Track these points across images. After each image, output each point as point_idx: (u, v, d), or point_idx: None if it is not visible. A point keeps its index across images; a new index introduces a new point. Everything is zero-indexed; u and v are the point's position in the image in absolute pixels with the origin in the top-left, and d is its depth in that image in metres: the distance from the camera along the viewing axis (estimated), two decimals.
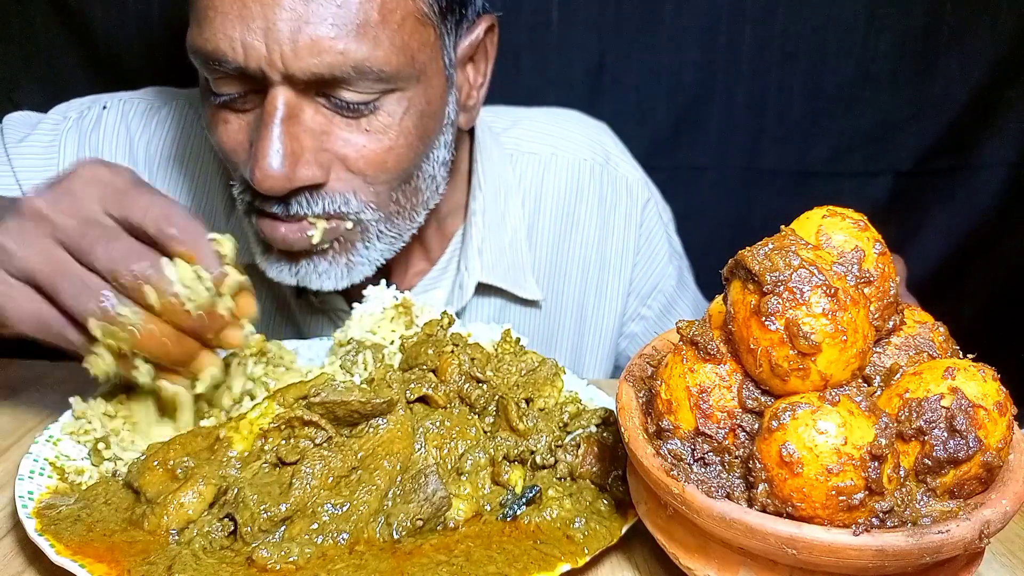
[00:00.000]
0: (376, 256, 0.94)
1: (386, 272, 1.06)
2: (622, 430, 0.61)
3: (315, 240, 0.87)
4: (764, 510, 0.53)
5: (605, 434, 0.73)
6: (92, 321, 0.66)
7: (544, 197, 1.13)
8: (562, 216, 1.14)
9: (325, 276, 0.91)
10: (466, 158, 1.11)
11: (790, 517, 0.52)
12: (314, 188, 0.85)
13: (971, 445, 0.53)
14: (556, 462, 0.72)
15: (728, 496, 0.54)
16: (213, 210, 1.07)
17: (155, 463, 0.68)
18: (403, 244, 0.97)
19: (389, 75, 0.82)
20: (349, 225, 0.88)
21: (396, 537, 0.64)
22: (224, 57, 0.78)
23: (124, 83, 1.37)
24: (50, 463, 0.72)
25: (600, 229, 1.15)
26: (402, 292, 0.88)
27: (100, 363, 0.69)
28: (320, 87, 0.81)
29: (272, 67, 0.78)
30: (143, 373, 0.70)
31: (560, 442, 0.73)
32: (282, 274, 0.92)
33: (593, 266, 1.16)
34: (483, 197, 1.08)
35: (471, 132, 1.10)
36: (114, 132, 1.06)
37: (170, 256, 0.68)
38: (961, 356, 0.60)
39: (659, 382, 0.60)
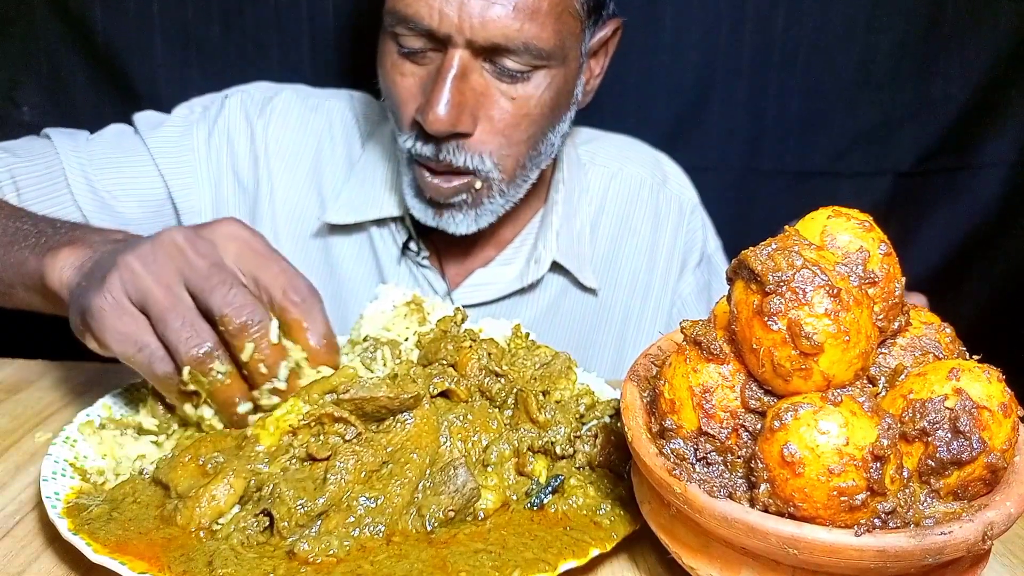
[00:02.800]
0: (497, 208, 1.12)
1: (475, 241, 1.23)
2: (626, 429, 0.61)
3: (453, 184, 1.07)
4: (766, 510, 0.53)
5: (619, 424, 0.74)
6: (187, 368, 0.70)
7: (607, 204, 1.28)
8: (620, 223, 1.28)
9: (460, 223, 1.11)
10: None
11: (792, 517, 0.52)
12: (462, 140, 1.03)
13: (975, 446, 0.53)
14: (575, 452, 0.73)
15: (730, 496, 0.54)
16: (316, 177, 1.23)
17: (187, 458, 0.69)
18: (517, 200, 1.14)
19: (545, 54, 1.00)
20: (478, 184, 1.07)
21: (429, 528, 0.65)
22: (421, 20, 0.97)
23: (124, 83, 1.37)
24: (71, 464, 0.72)
25: (651, 240, 1.28)
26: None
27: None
28: (490, 54, 0.99)
29: (460, 33, 0.96)
30: (192, 409, 0.74)
31: (577, 433, 0.74)
32: (427, 217, 1.11)
33: (642, 272, 1.28)
34: (564, 190, 1.24)
35: None
36: (236, 117, 1.21)
37: (281, 322, 0.74)
38: (968, 357, 0.60)
39: (663, 382, 0.60)
